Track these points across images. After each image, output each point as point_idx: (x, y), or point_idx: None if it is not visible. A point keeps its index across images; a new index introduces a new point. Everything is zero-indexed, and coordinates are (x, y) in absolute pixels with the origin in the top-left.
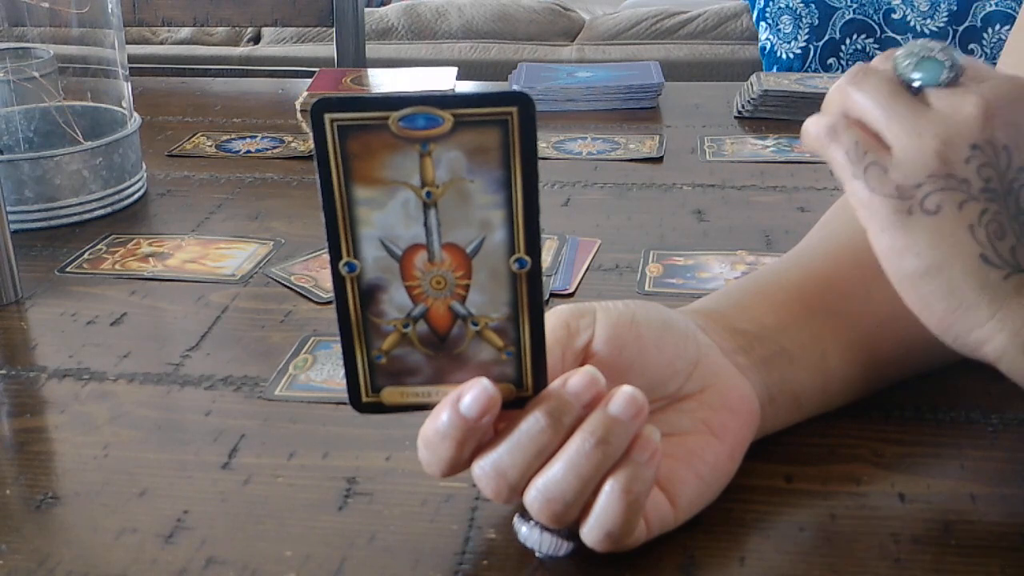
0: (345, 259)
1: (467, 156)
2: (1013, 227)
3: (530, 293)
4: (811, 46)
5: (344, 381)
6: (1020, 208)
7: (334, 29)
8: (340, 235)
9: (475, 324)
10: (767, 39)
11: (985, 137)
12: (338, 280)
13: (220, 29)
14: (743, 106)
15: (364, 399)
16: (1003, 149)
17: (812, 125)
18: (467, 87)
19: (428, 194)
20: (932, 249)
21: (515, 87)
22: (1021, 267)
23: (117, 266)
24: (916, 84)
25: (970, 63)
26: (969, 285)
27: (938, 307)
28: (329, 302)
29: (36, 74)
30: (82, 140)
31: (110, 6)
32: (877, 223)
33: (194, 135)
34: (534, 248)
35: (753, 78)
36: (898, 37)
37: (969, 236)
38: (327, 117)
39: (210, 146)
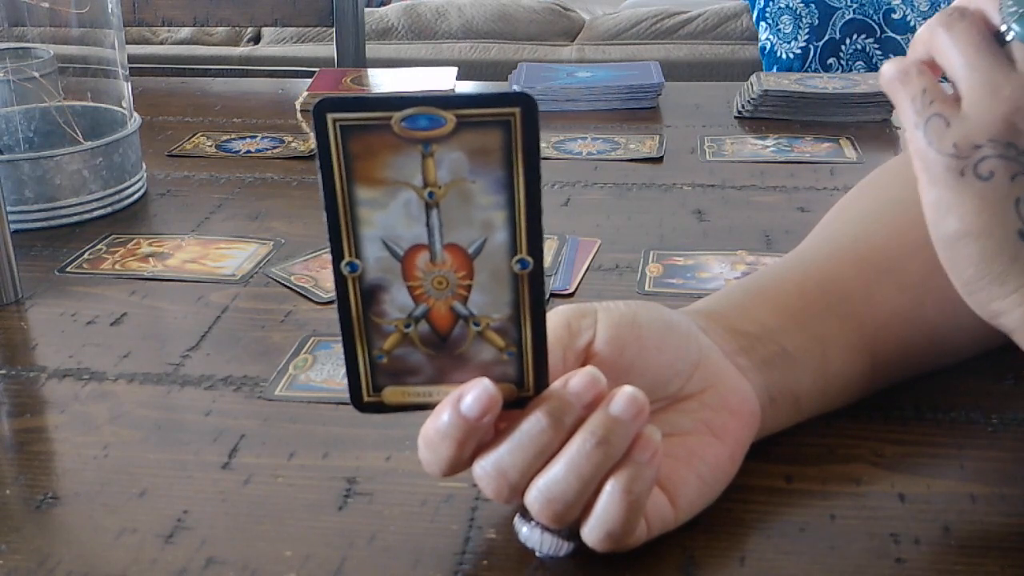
0: (347, 259)
1: (469, 157)
2: None
3: (532, 294)
4: (811, 46)
5: (345, 380)
6: None
7: (334, 29)
8: (342, 235)
9: (476, 324)
10: (767, 39)
11: None
12: (340, 280)
13: (220, 29)
14: (743, 106)
15: (365, 398)
16: None
17: (888, 68)
18: (467, 87)
19: (430, 195)
20: (975, 215)
21: (515, 87)
22: None
23: (117, 266)
24: (1011, 36)
25: None
26: (1001, 258)
27: (967, 271)
28: (329, 302)
29: (36, 74)
30: (82, 140)
31: (110, 6)
32: (928, 176)
33: (194, 135)
34: (536, 249)
35: (753, 78)
36: (898, 37)
37: (1013, 210)
38: (330, 117)
39: (210, 146)
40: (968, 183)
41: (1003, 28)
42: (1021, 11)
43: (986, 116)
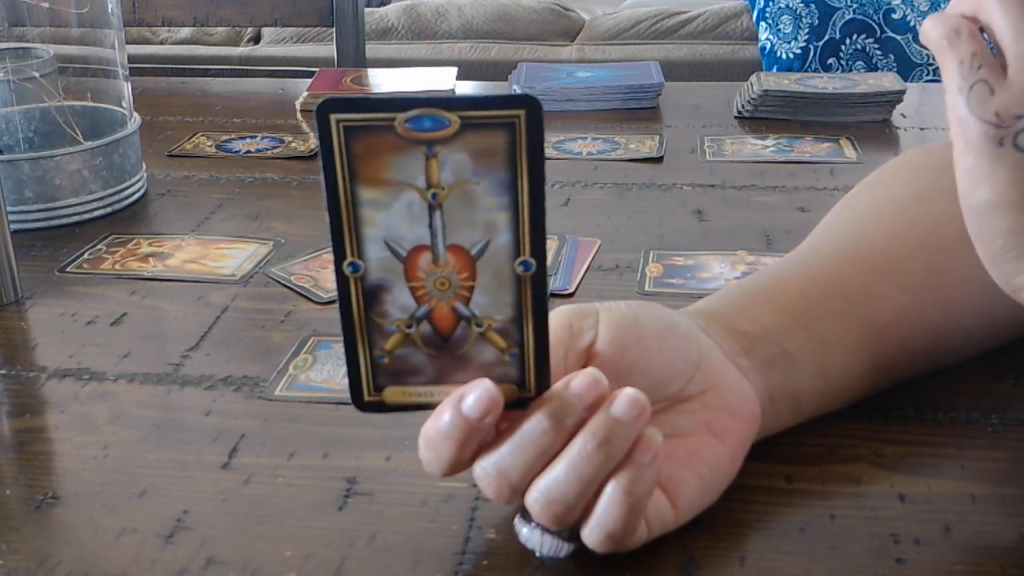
0: (349, 259)
1: (473, 158)
2: None
3: (534, 295)
4: (811, 46)
5: (346, 380)
6: None
7: (334, 29)
8: (344, 235)
9: (479, 325)
10: (767, 39)
11: None
12: (342, 280)
13: (220, 29)
14: (743, 106)
15: (366, 398)
16: None
17: (934, 25)
18: (467, 87)
19: (433, 196)
20: (1009, 187)
21: (515, 87)
22: None
23: (117, 266)
24: None
25: None
26: None
27: (995, 243)
28: (329, 302)
29: (36, 74)
30: (82, 140)
31: (110, 6)
32: (965, 143)
33: (194, 135)
34: (539, 251)
35: (753, 78)
36: (898, 37)
37: None
38: (333, 118)
39: (210, 146)
40: (1005, 153)
41: None
42: None
43: None
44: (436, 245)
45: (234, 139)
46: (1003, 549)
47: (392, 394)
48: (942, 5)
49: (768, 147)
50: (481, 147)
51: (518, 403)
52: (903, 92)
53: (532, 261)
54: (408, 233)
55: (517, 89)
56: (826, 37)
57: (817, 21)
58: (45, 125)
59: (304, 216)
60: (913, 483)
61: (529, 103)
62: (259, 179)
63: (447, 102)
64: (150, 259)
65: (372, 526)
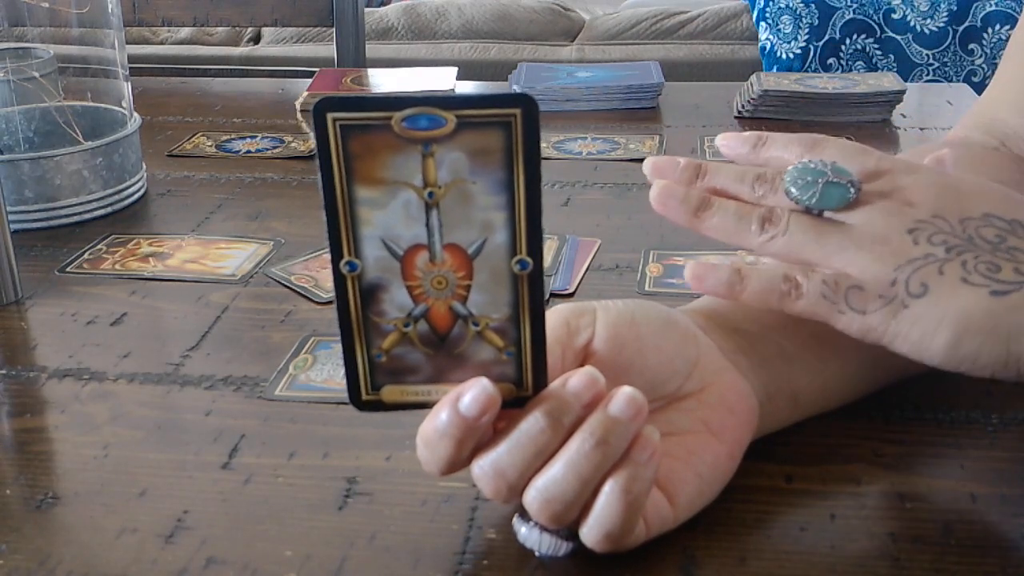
0: (346, 258)
1: (469, 157)
2: (999, 256)
3: (531, 294)
4: (811, 46)
5: (344, 379)
6: (990, 242)
7: (334, 29)
8: (341, 234)
9: (476, 324)
10: (767, 39)
11: (918, 217)
12: (339, 279)
13: (220, 29)
14: (743, 106)
15: (364, 397)
16: (934, 219)
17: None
18: (467, 87)
19: (430, 195)
20: (948, 315)
21: (515, 87)
22: None
23: (117, 266)
24: (820, 209)
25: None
26: (996, 322)
27: (983, 363)
28: (329, 302)
29: (36, 74)
30: (82, 140)
31: (110, 6)
32: (888, 335)
33: (194, 135)
34: (535, 250)
35: (753, 78)
36: (898, 37)
37: (967, 287)
38: (330, 116)
39: (210, 146)
40: (914, 305)
41: (810, 206)
42: (801, 183)
43: (877, 265)
44: (433, 244)
45: (234, 139)
46: (1003, 549)
47: (390, 393)
48: (941, 6)
49: None
50: (477, 146)
51: (515, 402)
52: (903, 92)
53: (529, 260)
54: (405, 232)
55: (517, 89)
56: (826, 37)
57: (817, 21)
58: (45, 125)
59: (304, 216)
60: (913, 483)
61: (525, 102)
62: (259, 179)
63: (443, 101)
64: (150, 259)
65: (372, 526)
